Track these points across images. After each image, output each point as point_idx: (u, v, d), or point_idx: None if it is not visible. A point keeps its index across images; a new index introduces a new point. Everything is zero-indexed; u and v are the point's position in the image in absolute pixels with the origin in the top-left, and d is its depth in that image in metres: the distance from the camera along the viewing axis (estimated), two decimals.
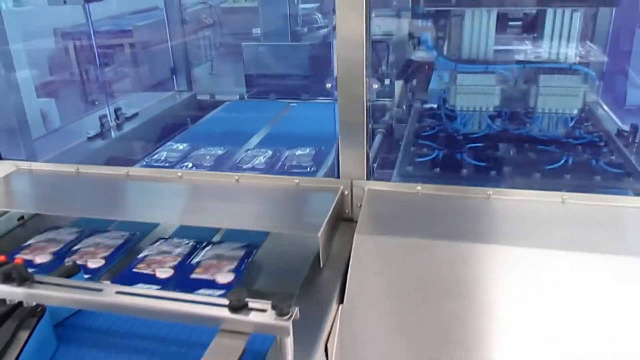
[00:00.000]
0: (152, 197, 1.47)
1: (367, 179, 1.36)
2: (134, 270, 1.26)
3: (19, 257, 1.03)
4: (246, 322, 0.87)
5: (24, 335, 0.99)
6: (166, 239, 1.41)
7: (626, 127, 1.79)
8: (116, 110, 2.33)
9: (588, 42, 1.79)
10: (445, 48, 1.73)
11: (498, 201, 1.29)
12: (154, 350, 1.03)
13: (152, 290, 1.12)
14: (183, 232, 1.44)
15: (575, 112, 1.72)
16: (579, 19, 1.65)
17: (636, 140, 1.73)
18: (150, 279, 1.22)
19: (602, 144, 1.67)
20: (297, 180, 1.41)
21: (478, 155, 1.59)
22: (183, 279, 1.23)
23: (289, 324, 0.84)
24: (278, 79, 2.84)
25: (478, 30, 1.65)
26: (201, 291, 1.17)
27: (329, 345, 1.01)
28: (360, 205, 1.35)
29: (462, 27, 1.66)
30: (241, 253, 1.31)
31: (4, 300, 1.04)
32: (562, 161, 1.59)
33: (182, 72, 2.87)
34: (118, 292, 0.95)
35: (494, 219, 1.25)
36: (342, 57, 1.26)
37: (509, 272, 1.08)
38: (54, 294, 0.97)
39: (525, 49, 1.79)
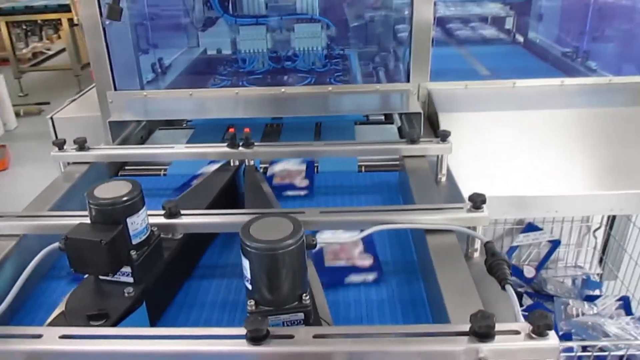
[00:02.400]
0: (269, 104, 1.91)
1: (429, 81, 1.91)
2: None
3: (247, 128, 1.44)
4: (420, 148, 1.40)
5: (266, 186, 1.41)
6: None
7: None
8: (159, 60, 2.67)
9: None
10: None
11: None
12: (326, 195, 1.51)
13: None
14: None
15: None
16: None
17: None
18: None
19: None
20: (378, 87, 1.92)
21: None
22: None
23: (449, 145, 1.38)
24: None
25: None
26: None
27: None
28: (425, 102, 1.90)
29: None
30: None
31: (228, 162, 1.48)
32: None
33: (193, 31, 3.23)
34: (327, 143, 1.43)
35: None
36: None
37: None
38: (276, 150, 1.43)
39: None
